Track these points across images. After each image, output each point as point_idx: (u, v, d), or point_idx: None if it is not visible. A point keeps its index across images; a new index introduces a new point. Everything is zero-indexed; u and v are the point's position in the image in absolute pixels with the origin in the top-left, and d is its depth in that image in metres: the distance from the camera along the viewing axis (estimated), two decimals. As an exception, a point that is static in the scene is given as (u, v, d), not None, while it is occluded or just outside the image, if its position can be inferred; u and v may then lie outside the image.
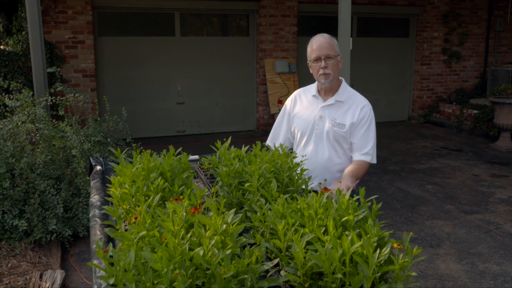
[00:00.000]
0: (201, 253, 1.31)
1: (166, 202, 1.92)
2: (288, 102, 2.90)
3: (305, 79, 9.29)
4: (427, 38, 10.36)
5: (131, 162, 2.30)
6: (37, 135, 4.51)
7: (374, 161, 2.66)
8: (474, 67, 10.86)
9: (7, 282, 3.35)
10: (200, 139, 8.76)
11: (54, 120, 4.70)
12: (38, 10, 5.35)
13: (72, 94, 4.96)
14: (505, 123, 7.92)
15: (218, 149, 2.43)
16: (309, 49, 2.70)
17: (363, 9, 9.62)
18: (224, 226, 1.44)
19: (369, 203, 1.69)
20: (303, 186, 2.07)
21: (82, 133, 4.68)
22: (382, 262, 1.36)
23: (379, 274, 1.38)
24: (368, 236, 1.40)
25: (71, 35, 7.71)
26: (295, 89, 8.95)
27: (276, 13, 8.97)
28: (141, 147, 2.45)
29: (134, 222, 1.54)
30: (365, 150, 2.62)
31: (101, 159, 3.35)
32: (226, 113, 9.30)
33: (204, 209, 1.70)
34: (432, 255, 4.19)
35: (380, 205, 1.65)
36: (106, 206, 1.95)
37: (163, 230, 1.50)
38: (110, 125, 4.96)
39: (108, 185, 2.19)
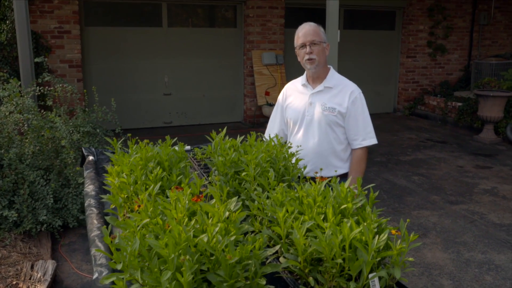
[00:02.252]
0: (206, 239, 1.34)
1: (165, 191, 1.95)
2: (280, 95, 2.96)
3: (292, 71, 9.33)
4: (412, 31, 10.46)
5: (127, 152, 2.31)
6: (25, 125, 4.47)
7: (375, 140, 2.73)
8: (458, 60, 11.00)
9: (-2, 272, 3.34)
10: (187, 130, 8.75)
11: (42, 111, 4.66)
12: (25, 2, 5.29)
13: (60, 85, 4.93)
14: (489, 116, 8.05)
15: (213, 139, 2.45)
16: (295, 36, 2.79)
17: (349, 1, 9.66)
18: (227, 213, 1.47)
19: (366, 192, 1.74)
20: (298, 175, 2.11)
21: (71, 123, 4.66)
22: (381, 247, 1.40)
23: (377, 260, 1.42)
24: (367, 222, 1.44)
25: (57, 25, 7.63)
26: (282, 80, 9.00)
27: (263, 5, 8.97)
28: (137, 138, 2.46)
29: (138, 211, 1.56)
30: (366, 134, 2.70)
31: (93, 149, 3.35)
32: (213, 105, 9.29)
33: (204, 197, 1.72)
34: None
35: (377, 193, 1.69)
36: (107, 195, 1.95)
37: (165, 218, 1.53)
38: (99, 115, 4.94)
39: (105, 174, 2.20)
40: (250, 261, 1.32)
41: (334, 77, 2.76)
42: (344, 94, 2.70)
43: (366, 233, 1.40)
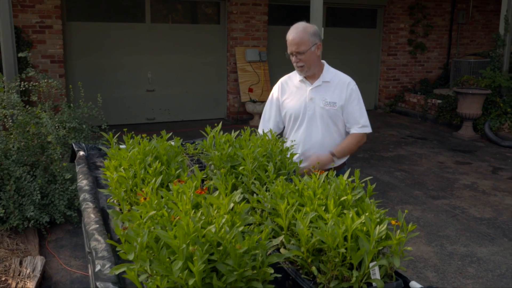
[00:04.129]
0: (213, 230, 1.37)
1: (163, 184, 1.97)
2: (275, 89, 2.99)
3: (275, 68, 9.39)
4: (393, 29, 10.60)
5: (123, 147, 2.32)
6: (10, 121, 4.42)
7: (370, 130, 2.84)
8: (437, 58, 11.19)
9: (-14, 269, 3.32)
10: (170, 127, 8.73)
11: (27, 106, 4.61)
12: (8, -6, 5.22)
13: (45, 80, 4.87)
14: (468, 113, 8.23)
15: (208, 134, 2.47)
16: (287, 41, 2.82)
17: (332, -1, 9.76)
18: (232, 205, 1.50)
19: (363, 184, 1.79)
20: (294, 169, 2.15)
21: (56, 119, 4.62)
22: (383, 236, 1.45)
23: (378, 249, 1.48)
24: (369, 212, 1.49)
25: (38, 19, 7.53)
26: (265, 77, 9.04)
27: (247, 2, 8.99)
28: (131, 133, 2.47)
29: (143, 204, 1.58)
30: (361, 123, 2.79)
31: (83, 144, 3.35)
32: (196, 101, 9.29)
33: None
34: (403, 238, 4.36)
35: (374, 185, 1.74)
36: (109, 188, 1.97)
37: (169, 210, 1.55)
38: (84, 111, 4.91)
39: (102, 169, 2.21)
40: (257, 251, 1.36)
41: (329, 71, 2.85)
42: (341, 87, 2.80)
43: (368, 223, 1.45)
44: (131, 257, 1.30)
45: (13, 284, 3.17)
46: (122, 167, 2.08)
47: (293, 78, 2.93)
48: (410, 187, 5.73)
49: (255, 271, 1.35)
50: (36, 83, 4.87)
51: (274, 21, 9.51)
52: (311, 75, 2.82)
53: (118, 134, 2.56)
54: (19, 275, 3.29)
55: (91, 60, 8.29)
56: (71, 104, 5.10)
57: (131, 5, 8.58)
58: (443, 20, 11.06)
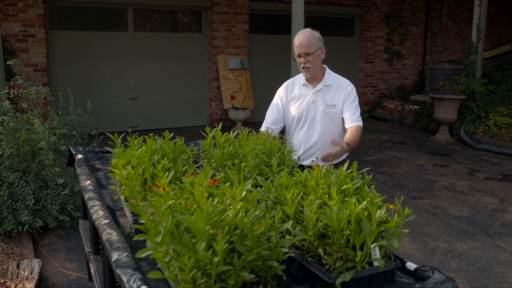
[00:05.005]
0: (230, 215, 1.49)
1: (170, 181, 2.08)
2: (281, 91, 3.21)
3: (256, 75, 9.56)
4: (370, 38, 10.89)
5: (127, 147, 2.43)
6: (0, 127, 4.46)
7: (362, 124, 3.10)
8: (413, 66, 11.53)
9: (-16, 272, 3.36)
10: (153, 134, 8.79)
11: (17, 113, 4.66)
12: (-5, 2, 5.27)
13: (34, 88, 4.93)
14: (444, 117, 8.51)
15: (207, 135, 2.59)
16: (294, 44, 3.05)
17: (311, 8, 9.97)
18: (244, 193, 1.63)
19: (361, 175, 1.95)
20: (292, 165, 2.30)
21: (46, 125, 4.67)
22: (384, 219, 1.60)
23: (378, 231, 1.62)
24: (371, 197, 1.64)
25: (21, 28, 7.55)
26: (247, 85, 9.20)
27: (228, 11, 9.16)
28: (135, 133, 2.57)
29: (160, 195, 1.69)
30: (355, 117, 3.04)
31: (80, 148, 3.45)
32: (179, 109, 9.38)
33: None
34: (388, 236, 4.54)
35: (371, 175, 1.90)
36: (126, 182, 2.07)
37: (186, 200, 1.67)
38: (74, 118, 4.97)
39: (110, 168, 2.31)
40: (271, 233, 1.49)
41: (330, 75, 3.10)
42: (341, 90, 3.07)
43: (369, 207, 1.60)
44: (158, 239, 1.42)
45: (12, 286, 3.22)
46: (130, 164, 2.19)
47: (297, 82, 3.16)
48: (391, 189, 5.93)
49: (269, 252, 1.48)
50: (26, 90, 4.91)
51: (255, 29, 9.69)
52: (314, 78, 3.06)
53: (136, 134, 2.65)
54: (17, 277, 3.34)
55: (74, 68, 8.32)
56: (59, 112, 5.16)
57: (113, 14, 8.66)
58: (418, 29, 11.41)
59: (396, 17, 10.99)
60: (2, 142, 4.33)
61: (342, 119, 3.11)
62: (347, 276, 1.58)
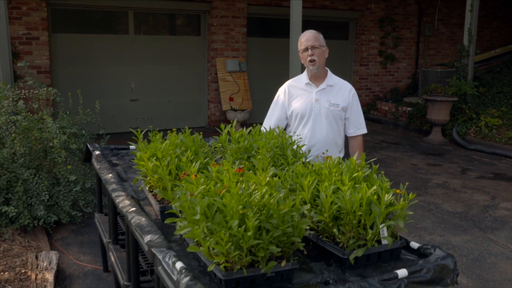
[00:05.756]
0: (257, 197, 1.69)
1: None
2: (281, 92, 3.34)
3: (254, 77, 9.78)
4: (365, 41, 11.14)
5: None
6: (13, 127, 4.62)
7: (366, 130, 3.29)
8: (406, 69, 11.80)
9: (5, 263, 3.53)
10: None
11: (29, 113, 4.82)
12: (5, 6, 5.43)
13: (44, 88, 5.10)
14: (437, 119, 8.77)
15: (222, 131, 2.78)
16: (299, 42, 3.25)
17: (307, 12, 10.17)
18: (268, 179, 1.83)
19: (368, 166, 2.15)
20: (303, 159, 2.50)
21: (57, 125, 4.84)
22: (392, 201, 1.81)
23: (387, 212, 1.83)
24: (380, 182, 1.85)
25: (25, 31, 7.71)
26: (245, 87, 9.40)
27: (227, 14, 9.37)
28: (156, 129, 2.76)
29: (192, 182, 1.88)
30: (359, 124, 3.23)
31: (96, 145, 3.64)
32: (178, 110, 9.57)
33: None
34: (385, 231, 4.76)
35: (378, 165, 2.10)
36: (157, 171, 2.25)
37: (215, 185, 1.86)
38: (82, 118, 5.15)
39: (134, 160, 2.50)
40: (294, 213, 1.69)
41: (332, 77, 3.26)
42: (344, 91, 3.21)
43: (379, 191, 1.81)
44: (197, 217, 1.61)
45: (33, 276, 3.39)
46: (155, 157, 2.39)
47: (298, 82, 3.30)
48: (387, 187, 6.15)
49: (292, 229, 1.68)
50: (36, 91, 5.08)
51: (252, 33, 9.91)
52: (317, 78, 3.19)
53: (157, 130, 2.83)
54: (37, 267, 3.51)
55: (76, 70, 8.49)
56: (67, 112, 5.33)
57: (114, 17, 8.84)
58: (411, 33, 11.69)
59: (390, 21, 11.25)
60: (16, 141, 4.50)
61: (345, 122, 3.25)
62: (359, 252, 1.78)
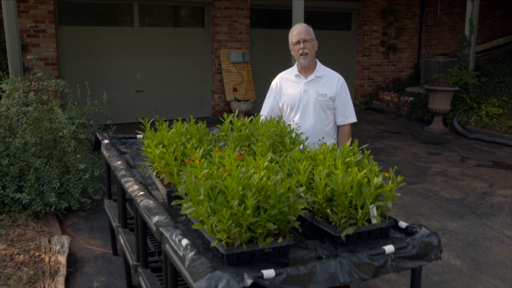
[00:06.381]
0: (256, 180, 1.85)
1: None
2: (274, 84, 3.50)
3: (257, 68, 9.91)
4: (367, 32, 11.24)
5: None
6: (24, 117, 4.79)
7: (355, 119, 3.40)
8: (409, 59, 11.89)
9: (19, 247, 3.71)
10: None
11: (39, 104, 4.99)
12: (14, 0, 5.58)
13: (53, 80, 5.26)
14: (438, 108, 8.88)
15: (224, 120, 2.93)
16: (290, 35, 3.35)
17: (309, 3, 10.23)
18: (266, 163, 1.98)
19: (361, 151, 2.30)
20: (301, 146, 2.65)
21: (66, 115, 5.01)
22: (382, 184, 1.96)
23: (376, 194, 1.98)
24: (370, 166, 2.00)
25: (32, 24, 7.87)
26: (248, 77, 9.54)
27: (230, 6, 9.48)
28: (162, 119, 2.91)
29: (195, 166, 2.04)
30: (347, 113, 3.36)
31: (105, 134, 3.80)
32: (183, 101, 9.72)
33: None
34: (384, 217, 4.92)
35: (370, 151, 2.25)
36: (164, 156, 2.41)
37: (217, 169, 2.02)
38: (90, 109, 5.31)
39: (142, 148, 2.66)
40: (289, 194, 1.85)
41: (321, 68, 3.35)
42: (332, 81, 3.32)
43: (369, 175, 1.96)
44: (201, 197, 1.77)
45: (46, 258, 3.57)
46: (162, 144, 2.55)
47: (289, 74, 3.44)
48: (387, 175, 6.29)
49: (288, 209, 1.84)
50: (45, 83, 5.25)
51: (255, 24, 10.03)
52: (306, 69, 3.32)
53: (163, 119, 2.98)
54: (50, 251, 3.70)
55: (83, 62, 8.65)
56: (76, 103, 5.49)
57: (119, 10, 8.98)
58: (413, 23, 11.77)
59: (392, 12, 11.33)
60: (27, 131, 4.67)
61: (334, 112, 3.37)
62: (350, 230, 1.94)
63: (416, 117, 9.87)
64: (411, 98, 10.04)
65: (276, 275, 1.64)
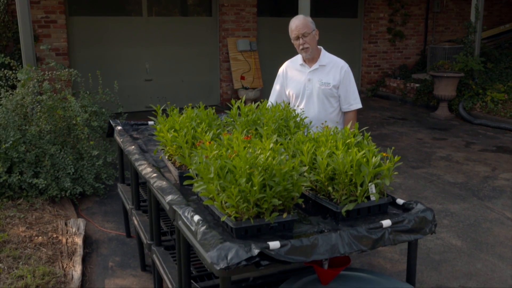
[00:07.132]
0: (262, 159, 1.99)
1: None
2: (281, 71, 3.63)
3: (264, 56, 10.01)
4: (373, 19, 11.28)
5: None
6: (39, 106, 4.96)
7: (360, 105, 3.46)
8: (415, 45, 11.93)
9: (38, 229, 3.90)
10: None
11: (53, 93, 5.15)
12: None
13: (66, 70, 5.42)
14: (443, 94, 8.96)
15: (232, 106, 3.07)
16: (289, 29, 3.44)
17: (316, -9, 10.38)
18: (271, 145, 2.13)
19: (361, 134, 2.44)
20: (306, 130, 2.79)
21: (79, 104, 5.17)
22: (376, 164, 2.10)
23: (374, 172, 2.12)
24: (369, 147, 2.14)
25: (43, 14, 8.02)
26: (256, 66, 9.65)
27: (237, -5, 9.59)
28: (173, 105, 3.06)
29: (205, 147, 2.19)
30: (352, 100, 3.44)
31: (118, 121, 3.95)
32: (191, 89, 9.86)
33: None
34: (388, 200, 5.06)
35: (369, 132, 2.39)
36: (176, 138, 2.56)
37: (226, 150, 2.17)
38: (102, 97, 5.48)
39: (155, 133, 2.81)
40: (293, 172, 1.99)
41: (325, 56, 3.45)
42: (336, 69, 3.41)
43: (367, 155, 2.10)
44: (211, 175, 1.92)
45: (64, 240, 3.76)
46: (173, 129, 2.70)
47: (294, 63, 3.55)
48: (392, 160, 6.42)
49: (292, 186, 1.98)
50: (58, 72, 5.41)
51: (262, 12, 10.12)
52: (310, 59, 3.43)
53: (174, 106, 3.12)
54: (66, 233, 3.88)
55: (93, 52, 8.81)
56: (87, 92, 5.66)
57: (128, 0, 9.10)
58: (420, 9, 11.79)
59: (398, -2, 11.37)
60: (42, 119, 4.84)
61: (339, 99, 3.45)
62: (350, 206, 2.08)
63: (422, 104, 9.96)
64: (417, 85, 10.11)
65: (281, 246, 1.79)
